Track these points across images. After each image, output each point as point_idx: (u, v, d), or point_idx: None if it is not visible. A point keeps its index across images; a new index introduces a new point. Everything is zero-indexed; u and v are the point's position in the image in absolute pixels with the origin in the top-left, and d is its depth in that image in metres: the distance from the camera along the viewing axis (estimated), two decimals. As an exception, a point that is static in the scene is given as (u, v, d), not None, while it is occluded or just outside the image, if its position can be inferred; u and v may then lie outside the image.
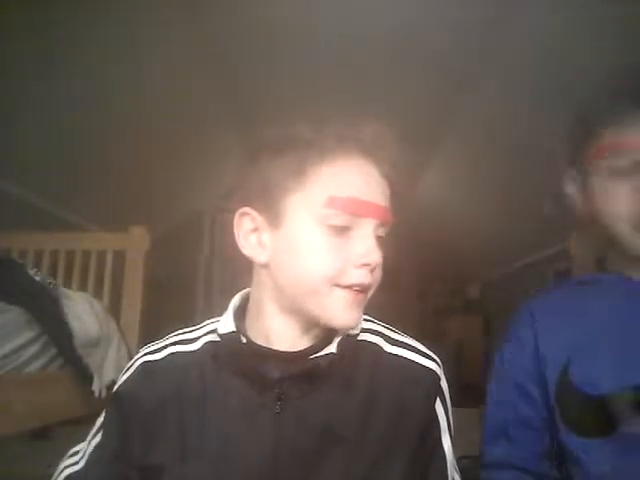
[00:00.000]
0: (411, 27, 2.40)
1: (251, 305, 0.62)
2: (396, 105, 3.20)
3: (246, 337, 0.59)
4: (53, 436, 2.22)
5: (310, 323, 0.58)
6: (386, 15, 2.34)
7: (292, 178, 0.55)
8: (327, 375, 0.57)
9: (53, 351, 1.36)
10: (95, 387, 1.42)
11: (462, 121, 3.43)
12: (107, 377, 1.49)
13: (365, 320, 0.63)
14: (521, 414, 0.75)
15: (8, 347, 1.24)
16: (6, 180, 2.49)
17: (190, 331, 0.64)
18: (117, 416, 0.60)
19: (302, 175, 0.55)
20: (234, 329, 0.58)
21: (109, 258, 1.86)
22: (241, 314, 0.62)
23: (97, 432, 0.61)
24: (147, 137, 2.96)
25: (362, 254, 0.54)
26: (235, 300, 0.64)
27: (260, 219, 0.57)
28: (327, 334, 0.59)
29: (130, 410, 0.59)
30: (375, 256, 0.54)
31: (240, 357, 0.58)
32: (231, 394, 0.57)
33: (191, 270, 4.64)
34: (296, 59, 2.72)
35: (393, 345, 0.61)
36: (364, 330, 0.62)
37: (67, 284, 1.74)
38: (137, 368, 0.61)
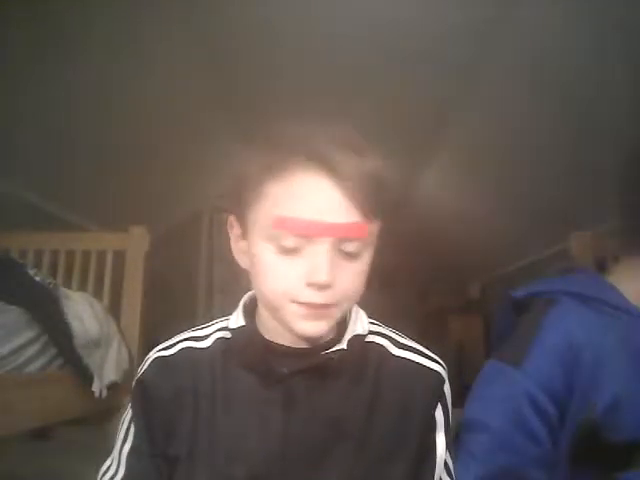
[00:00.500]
0: (411, 26, 2.40)
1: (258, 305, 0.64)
2: (395, 105, 3.20)
3: (256, 332, 0.61)
4: (53, 436, 2.22)
5: None
6: (386, 14, 2.34)
7: (250, 194, 0.55)
8: (336, 371, 0.58)
9: (53, 351, 1.36)
10: (95, 387, 1.42)
11: (462, 121, 3.43)
12: (107, 377, 1.49)
13: (372, 323, 0.65)
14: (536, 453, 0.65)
15: (8, 347, 1.24)
16: (6, 180, 2.49)
17: (200, 329, 0.66)
18: (141, 412, 0.61)
19: (257, 192, 0.55)
20: (244, 324, 0.60)
21: (109, 258, 1.86)
22: (251, 312, 0.63)
23: (125, 437, 0.62)
24: (147, 137, 2.96)
25: (309, 274, 0.53)
26: (245, 298, 0.65)
27: (238, 227, 0.59)
28: (337, 333, 0.61)
29: (150, 401, 0.60)
30: (322, 276, 0.52)
31: (250, 351, 0.59)
32: (240, 388, 0.58)
33: (192, 270, 4.64)
34: (296, 58, 2.72)
35: (399, 348, 0.62)
36: (372, 332, 0.63)
37: (67, 284, 1.74)
38: (151, 363, 0.63)
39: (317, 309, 0.54)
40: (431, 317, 6.48)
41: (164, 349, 0.64)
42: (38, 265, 1.75)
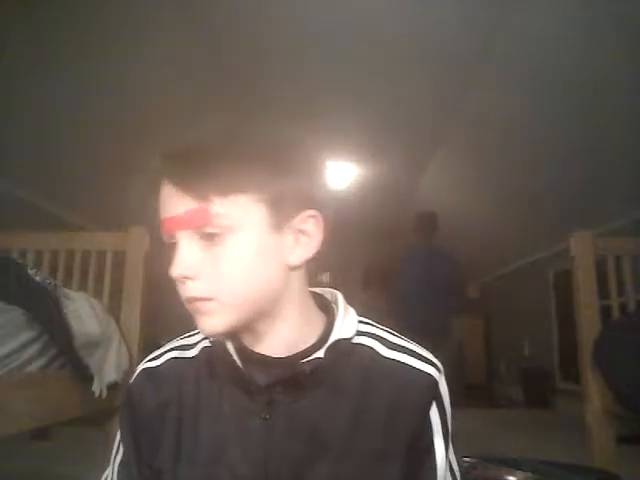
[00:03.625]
0: (413, 25, 2.40)
1: None
2: (396, 106, 3.20)
3: (239, 342, 0.59)
4: (53, 436, 2.22)
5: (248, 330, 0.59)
6: (387, 14, 2.33)
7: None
8: (317, 380, 0.56)
9: (53, 351, 1.36)
10: (95, 387, 1.42)
11: (462, 122, 3.43)
12: (107, 377, 1.49)
13: (363, 323, 0.62)
14: None
15: (8, 347, 1.24)
16: (6, 180, 2.49)
17: (190, 336, 0.65)
18: (128, 425, 0.61)
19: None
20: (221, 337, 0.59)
21: (109, 258, 1.85)
22: None
23: (118, 450, 0.62)
24: (147, 137, 2.96)
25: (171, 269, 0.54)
26: None
27: None
28: (320, 337, 0.59)
29: (137, 413, 0.61)
30: (175, 270, 0.54)
31: (229, 363, 0.58)
32: (223, 400, 0.58)
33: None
34: (296, 59, 2.72)
35: (390, 349, 0.60)
36: (361, 333, 0.61)
37: (67, 284, 1.74)
38: (138, 375, 0.63)
39: (195, 304, 0.54)
40: (431, 317, 6.47)
41: (152, 360, 0.64)
42: (38, 265, 1.75)
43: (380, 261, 4.13)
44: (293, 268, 0.58)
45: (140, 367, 0.64)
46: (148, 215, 0.60)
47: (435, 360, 0.61)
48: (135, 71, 2.48)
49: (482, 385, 6.06)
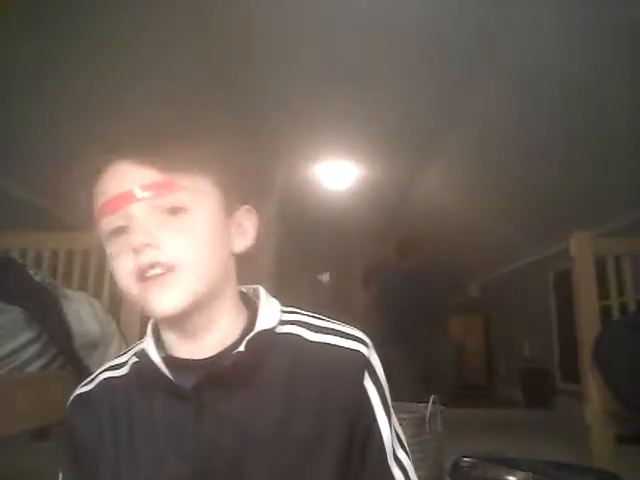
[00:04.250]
0: (413, 25, 2.40)
1: None
2: (396, 106, 3.20)
3: (165, 351, 0.60)
4: (53, 436, 2.22)
5: (183, 328, 0.58)
6: (387, 14, 2.33)
7: (89, 208, 0.59)
8: (242, 375, 0.56)
9: (53, 351, 1.36)
10: (95, 387, 1.42)
11: (462, 121, 3.43)
12: (107, 377, 1.49)
13: (288, 312, 0.62)
14: None
15: (8, 347, 1.24)
16: (6, 180, 2.49)
17: (119, 356, 0.66)
18: (68, 452, 0.61)
19: (89, 203, 0.58)
20: (144, 347, 0.59)
21: (109, 258, 1.85)
22: (158, 330, 0.62)
23: (61, 474, 0.63)
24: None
25: (128, 241, 0.54)
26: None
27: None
28: (242, 333, 0.58)
29: (74, 441, 0.61)
30: (136, 237, 0.53)
31: (156, 373, 0.57)
32: (155, 409, 0.57)
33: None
34: (296, 59, 2.72)
35: (316, 332, 0.59)
36: (285, 322, 0.60)
37: (67, 284, 1.74)
38: (71, 401, 0.63)
39: (153, 270, 0.53)
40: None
41: (85, 385, 0.63)
42: (38, 265, 1.75)
43: (380, 262, 4.21)
44: (232, 255, 0.61)
45: (74, 393, 0.63)
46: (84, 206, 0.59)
47: (362, 335, 0.60)
48: (136, 71, 2.48)
49: (482, 385, 6.06)
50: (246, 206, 0.62)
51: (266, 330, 0.58)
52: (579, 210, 3.49)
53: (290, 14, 2.35)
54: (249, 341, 0.56)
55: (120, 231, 0.55)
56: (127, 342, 1.68)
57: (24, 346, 1.28)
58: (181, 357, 0.59)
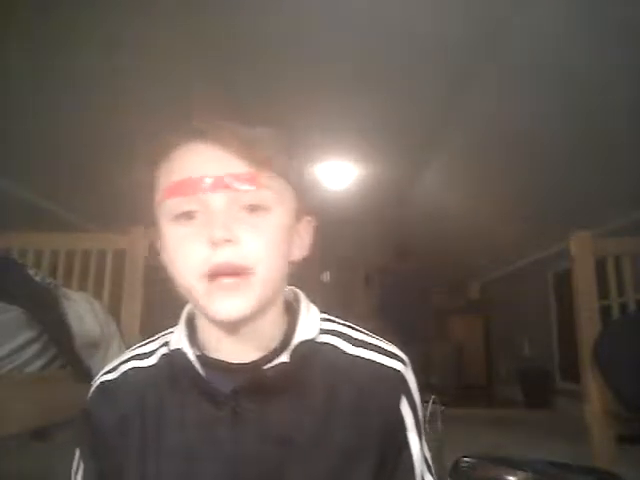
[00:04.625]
0: (414, 25, 2.40)
1: None
2: (396, 105, 3.20)
3: (199, 349, 0.58)
4: (53, 436, 2.22)
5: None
6: (388, 13, 2.33)
7: (150, 180, 0.56)
8: (282, 385, 0.55)
9: (53, 351, 1.36)
10: (95, 387, 1.42)
11: (462, 121, 3.43)
12: (107, 377, 1.49)
13: (326, 320, 0.61)
14: None
15: (8, 347, 1.24)
16: (6, 180, 2.49)
17: (146, 344, 0.63)
18: (86, 443, 0.59)
19: (153, 176, 0.56)
20: (181, 346, 0.57)
21: (109, 258, 1.86)
22: (193, 325, 0.60)
23: (78, 466, 0.60)
24: (147, 137, 2.95)
25: (207, 234, 0.50)
26: (188, 308, 0.61)
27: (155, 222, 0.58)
28: (282, 340, 0.57)
29: (97, 431, 0.58)
30: (217, 231, 0.50)
31: (192, 372, 0.56)
32: (188, 409, 0.56)
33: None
34: (296, 59, 2.72)
35: (354, 346, 0.58)
36: (324, 332, 0.59)
37: (67, 284, 1.74)
38: (95, 390, 0.61)
39: (226, 277, 0.51)
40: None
41: (108, 372, 0.61)
42: (38, 265, 1.75)
43: (379, 262, 4.25)
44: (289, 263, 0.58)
45: (97, 381, 0.61)
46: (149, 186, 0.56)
47: (400, 353, 0.60)
48: (135, 71, 2.48)
49: (482, 385, 6.06)
50: (309, 217, 0.61)
51: (308, 340, 0.57)
52: (579, 210, 3.49)
53: (290, 13, 2.35)
54: (293, 352, 0.56)
55: (189, 216, 0.52)
56: (127, 342, 1.68)
57: (24, 346, 1.28)
58: (216, 358, 0.57)
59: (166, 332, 0.63)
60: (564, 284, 4.10)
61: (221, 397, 0.54)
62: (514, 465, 1.29)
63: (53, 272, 1.79)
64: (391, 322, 3.48)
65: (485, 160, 3.80)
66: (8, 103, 2.20)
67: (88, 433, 0.59)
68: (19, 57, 2.08)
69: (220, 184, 0.51)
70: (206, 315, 0.54)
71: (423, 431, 0.59)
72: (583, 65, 2.42)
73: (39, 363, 1.32)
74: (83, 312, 1.49)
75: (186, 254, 0.52)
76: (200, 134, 0.53)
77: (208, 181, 0.51)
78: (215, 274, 0.51)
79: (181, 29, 2.38)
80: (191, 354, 0.56)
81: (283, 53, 2.66)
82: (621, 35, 2.17)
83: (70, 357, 1.38)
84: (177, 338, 0.59)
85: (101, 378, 0.61)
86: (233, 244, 0.51)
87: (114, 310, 1.75)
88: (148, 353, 0.61)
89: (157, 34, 2.34)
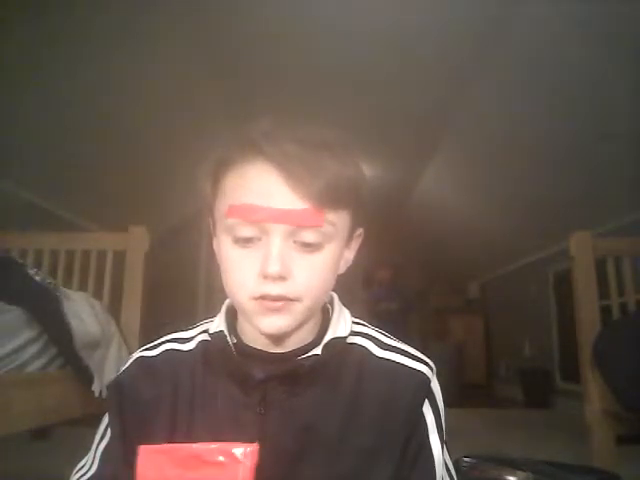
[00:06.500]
0: (414, 25, 2.40)
1: None
2: (396, 106, 3.20)
3: (237, 337, 0.60)
4: (53, 436, 2.22)
5: None
6: (387, 14, 2.33)
7: (212, 190, 0.57)
8: (312, 377, 0.57)
9: (53, 351, 1.36)
10: (95, 387, 1.42)
11: (462, 121, 3.43)
12: (107, 377, 1.49)
13: (357, 324, 0.63)
14: None
15: (8, 347, 1.24)
16: (6, 180, 2.49)
17: (186, 330, 0.65)
18: (117, 411, 0.60)
19: (216, 187, 0.56)
20: (222, 329, 0.59)
21: (109, 258, 1.86)
22: (233, 314, 0.62)
23: (103, 436, 0.62)
24: (147, 138, 2.95)
25: (262, 265, 0.52)
26: (228, 301, 0.63)
27: (211, 226, 0.60)
28: (316, 336, 0.60)
29: (127, 401, 0.60)
30: (273, 267, 0.51)
31: (227, 357, 0.58)
32: (218, 394, 0.58)
33: (192, 269, 4.64)
34: (296, 59, 2.72)
35: (383, 349, 0.61)
36: (355, 333, 0.61)
37: (67, 284, 1.74)
38: (133, 363, 0.63)
39: (274, 302, 0.53)
40: (431, 317, 6.49)
41: (148, 349, 0.63)
42: (38, 265, 1.75)
43: (378, 262, 4.25)
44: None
45: (135, 355, 0.63)
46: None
47: (427, 359, 0.61)
48: (135, 71, 2.48)
49: (482, 385, 6.06)
50: (360, 230, 0.61)
51: (340, 338, 0.59)
52: (579, 210, 3.49)
53: (292, 16, 2.35)
54: (325, 346, 0.58)
55: (247, 240, 0.53)
56: (127, 342, 1.68)
57: (24, 346, 1.28)
58: (253, 346, 0.59)
59: (206, 320, 0.65)
60: (564, 284, 4.10)
61: (253, 383, 0.56)
62: (514, 465, 1.29)
63: (53, 272, 1.79)
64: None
65: (486, 160, 3.80)
66: (9, 103, 2.20)
67: (120, 403, 0.60)
68: (19, 57, 2.08)
69: (284, 219, 0.52)
70: (253, 325, 0.56)
71: (445, 435, 0.60)
72: (583, 66, 2.42)
73: (39, 363, 1.32)
74: (83, 312, 1.49)
75: (240, 277, 0.54)
76: (268, 158, 0.52)
77: (273, 213, 0.51)
78: (265, 299, 0.53)
79: (181, 29, 2.39)
80: (229, 339, 0.58)
81: (283, 55, 2.66)
82: (620, 38, 2.17)
83: (70, 357, 1.38)
84: (217, 324, 0.61)
85: (141, 353, 0.63)
86: (285, 280, 0.52)
87: (114, 310, 1.76)
88: (188, 338, 0.63)
89: (157, 34, 2.34)
